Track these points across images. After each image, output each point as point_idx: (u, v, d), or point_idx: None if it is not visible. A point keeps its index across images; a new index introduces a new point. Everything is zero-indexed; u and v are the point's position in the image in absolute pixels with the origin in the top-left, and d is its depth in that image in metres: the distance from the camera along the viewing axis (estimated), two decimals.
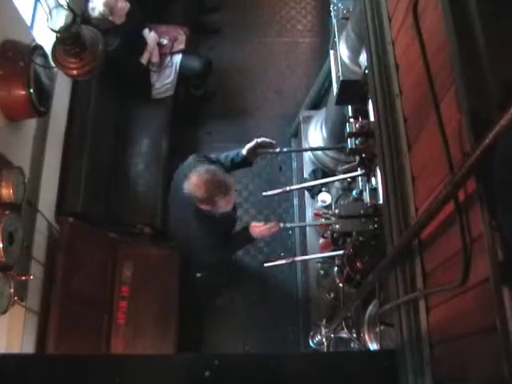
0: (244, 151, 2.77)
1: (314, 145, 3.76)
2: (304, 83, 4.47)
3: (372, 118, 2.27)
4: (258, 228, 2.74)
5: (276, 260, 2.94)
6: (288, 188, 3.00)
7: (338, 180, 3.24)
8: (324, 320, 2.85)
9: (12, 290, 2.25)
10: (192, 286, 3.05)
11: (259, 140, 2.78)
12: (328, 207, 3.50)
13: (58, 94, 3.00)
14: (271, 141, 2.82)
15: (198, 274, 2.85)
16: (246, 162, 2.82)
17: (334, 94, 2.66)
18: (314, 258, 3.37)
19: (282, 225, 2.78)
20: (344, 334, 2.58)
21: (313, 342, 2.97)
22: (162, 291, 3.39)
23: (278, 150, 2.87)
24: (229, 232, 2.89)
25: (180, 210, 2.66)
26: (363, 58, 2.33)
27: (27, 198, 2.49)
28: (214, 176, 2.45)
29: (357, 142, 2.51)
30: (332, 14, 2.81)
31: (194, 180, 2.44)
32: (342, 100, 2.67)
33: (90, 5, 3.33)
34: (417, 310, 1.55)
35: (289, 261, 2.91)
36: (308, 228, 3.52)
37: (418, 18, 1.61)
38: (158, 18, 4.16)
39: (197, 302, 3.71)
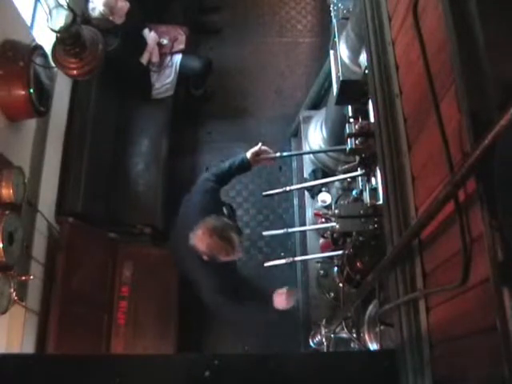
0: (248, 154, 2.82)
1: (314, 145, 3.76)
2: (304, 83, 4.47)
3: (372, 119, 2.27)
4: (281, 298, 2.69)
5: (276, 260, 2.94)
6: (288, 188, 3.00)
7: (338, 180, 3.24)
8: (324, 320, 2.85)
9: (12, 290, 2.25)
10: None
11: (263, 148, 2.85)
12: (328, 207, 3.50)
13: (58, 93, 3.00)
14: (273, 154, 2.89)
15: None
16: (248, 166, 2.87)
17: (334, 93, 2.66)
18: (314, 258, 3.37)
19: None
20: (344, 334, 2.58)
21: (313, 342, 2.97)
22: (162, 291, 3.40)
23: (278, 154, 2.93)
24: (231, 268, 2.86)
25: (183, 241, 2.66)
26: (363, 57, 2.32)
27: (27, 198, 2.49)
28: (221, 236, 2.48)
29: (357, 141, 2.51)
30: (332, 13, 2.81)
31: (199, 235, 2.49)
32: (342, 100, 2.67)
33: (90, 5, 3.33)
34: (417, 310, 1.55)
35: (289, 261, 2.91)
36: None
37: (418, 17, 1.61)
38: (158, 18, 4.16)
39: (197, 302, 3.71)
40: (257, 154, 2.83)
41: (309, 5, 4.93)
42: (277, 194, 2.99)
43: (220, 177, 2.80)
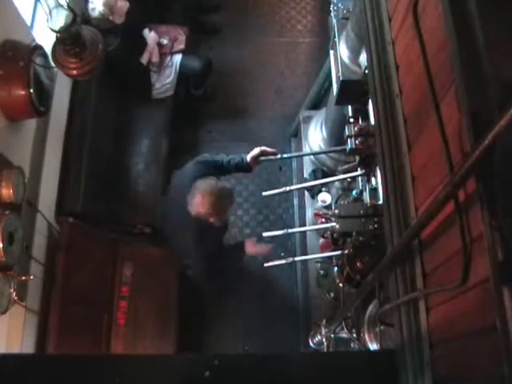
0: (248, 158, 2.85)
1: (313, 145, 3.76)
2: (304, 83, 4.47)
3: (372, 119, 2.27)
4: (252, 245, 3.00)
5: (276, 260, 2.94)
6: (288, 188, 3.00)
7: (338, 180, 3.24)
8: (324, 320, 2.85)
9: (12, 290, 2.25)
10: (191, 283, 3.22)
11: (262, 148, 2.88)
12: (328, 207, 3.50)
13: (58, 93, 3.00)
14: (273, 150, 2.92)
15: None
16: (248, 168, 2.90)
17: (334, 93, 2.66)
18: (314, 258, 3.37)
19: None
20: (344, 334, 2.59)
21: (313, 342, 2.97)
22: (162, 291, 3.39)
23: (278, 156, 2.95)
24: (220, 239, 3.03)
25: (178, 216, 2.70)
26: (363, 57, 2.32)
27: (27, 198, 2.49)
28: (218, 190, 2.58)
29: (357, 141, 2.51)
30: (332, 13, 2.81)
31: (199, 201, 2.54)
32: (342, 100, 2.67)
33: (90, 5, 3.33)
34: (417, 310, 1.55)
35: (289, 261, 2.91)
36: None
37: (418, 17, 1.61)
38: (158, 18, 4.16)
39: (197, 302, 3.72)
40: (256, 158, 2.86)
41: (309, 5, 4.93)
42: (277, 194, 2.99)
43: (217, 161, 2.85)
